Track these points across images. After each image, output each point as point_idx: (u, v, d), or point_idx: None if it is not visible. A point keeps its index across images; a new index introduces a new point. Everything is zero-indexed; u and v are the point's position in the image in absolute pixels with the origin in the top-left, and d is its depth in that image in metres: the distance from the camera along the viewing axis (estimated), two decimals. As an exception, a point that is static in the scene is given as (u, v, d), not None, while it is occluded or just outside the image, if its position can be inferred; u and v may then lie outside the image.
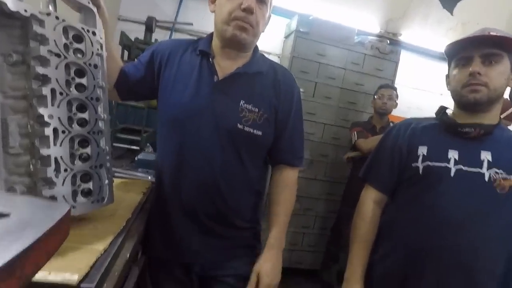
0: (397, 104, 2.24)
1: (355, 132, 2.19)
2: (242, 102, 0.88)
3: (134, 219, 0.88)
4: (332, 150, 2.48)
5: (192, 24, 2.43)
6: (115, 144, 1.77)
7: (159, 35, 2.36)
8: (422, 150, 0.90)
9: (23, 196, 0.64)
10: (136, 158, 1.41)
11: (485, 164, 0.82)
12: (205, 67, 0.90)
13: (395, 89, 2.25)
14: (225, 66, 0.90)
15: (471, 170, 0.82)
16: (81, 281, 0.53)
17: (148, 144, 1.77)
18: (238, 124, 0.87)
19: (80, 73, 0.74)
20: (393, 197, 0.98)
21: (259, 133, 0.89)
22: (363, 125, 2.24)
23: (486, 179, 0.81)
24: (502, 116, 0.94)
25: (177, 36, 2.51)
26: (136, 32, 2.20)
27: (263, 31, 0.93)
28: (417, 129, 0.95)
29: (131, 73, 0.95)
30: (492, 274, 0.79)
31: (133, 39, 1.95)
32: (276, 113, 0.92)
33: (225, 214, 0.91)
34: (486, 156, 0.83)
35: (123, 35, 1.82)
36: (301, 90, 2.34)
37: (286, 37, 2.59)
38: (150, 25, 1.98)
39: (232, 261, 0.94)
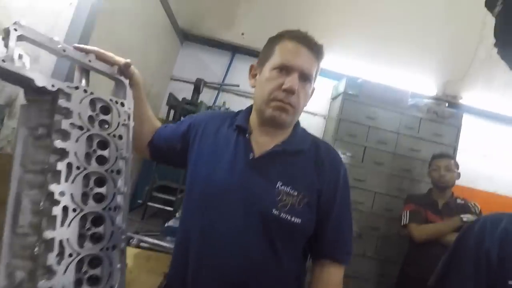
0: (459, 174, 1.93)
1: (408, 212, 1.88)
2: (279, 184, 0.76)
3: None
4: (384, 223, 2.19)
5: (238, 86, 2.50)
6: (149, 203, 1.72)
7: (206, 95, 2.45)
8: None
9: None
10: (165, 225, 1.32)
11: None
12: (241, 143, 0.82)
13: (452, 158, 1.96)
14: (262, 142, 0.82)
15: None
16: None
17: (180, 209, 1.69)
18: (274, 209, 0.74)
19: (103, 145, 0.69)
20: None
21: (298, 221, 0.74)
22: (421, 201, 1.92)
23: None
24: None
25: (223, 96, 2.58)
26: (186, 91, 2.29)
27: (305, 106, 0.85)
28: (511, 231, 0.72)
29: (167, 136, 0.92)
30: None
31: (181, 98, 2.02)
32: (318, 197, 0.79)
33: None
34: None
35: (171, 96, 1.89)
36: (349, 154, 2.19)
37: (333, 98, 2.52)
38: (198, 86, 2.05)
39: None
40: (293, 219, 0.73)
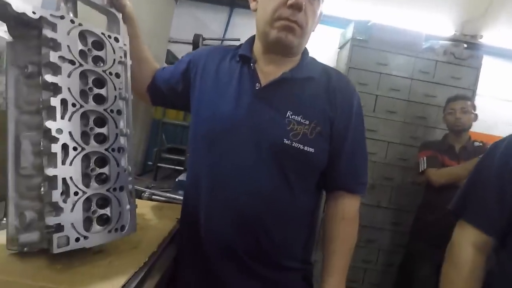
0: (476, 116, 1.83)
1: (425, 158, 1.81)
2: (289, 113, 0.72)
3: (159, 253, 0.74)
4: (398, 173, 2.14)
5: (239, 40, 2.38)
6: (160, 165, 1.72)
7: (207, 53, 2.35)
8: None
9: None
10: (176, 180, 1.32)
11: None
12: (245, 74, 0.77)
13: (468, 99, 1.85)
14: (269, 72, 0.76)
15: None
16: None
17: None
18: (285, 139, 0.70)
19: (99, 82, 0.65)
20: (503, 242, 0.69)
21: (311, 150, 0.71)
22: (436, 147, 1.86)
23: None
24: None
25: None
26: (185, 52, 2.20)
27: (313, 31, 0.78)
28: None
29: (166, 78, 0.87)
30: None
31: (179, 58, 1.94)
32: (331, 126, 0.74)
33: (271, 253, 0.73)
34: None
35: (169, 54, 1.82)
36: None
37: (341, 47, 2.38)
38: (196, 42, 1.96)
39: None
40: (305, 148, 0.70)
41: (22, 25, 0.59)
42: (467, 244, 0.71)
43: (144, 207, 1.01)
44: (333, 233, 0.77)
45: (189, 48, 2.21)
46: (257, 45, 0.79)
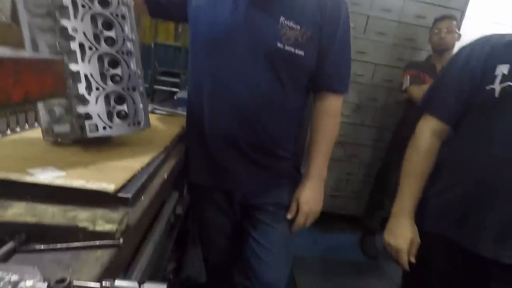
0: (459, 35, 1.88)
1: (408, 76, 1.90)
2: (282, 19, 0.78)
3: (172, 146, 0.87)
4: (383, 94, 2.26)
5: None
6: (156, 87, 1.78)
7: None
8: (502, 69, 0.73)
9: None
10: (175, 97, 1.40)
11: None
12: None
13: (454, 19, 1.87)
14: None
15: None
16: (118, 191, 0.53)
17: (187, 87, 1.75)
18: (278, 42, 0.77)
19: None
20: (456, 129, 0.84)
21: (301, 53, 0.79)
22: (420, 66, 1.94)
23: None
24: None
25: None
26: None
27: None
28: (499, 46, 0.77)
29: None
30: None
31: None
32: (320, 32, 0.81)
33: (267, 144, 0.86)
34: None
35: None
36: (351, 25, 2.11)
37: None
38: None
39: (273, 190, 0.92)
40: (296, 51, 0.78)
41: None
42: (427, 131, 0.85)
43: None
44: (318, 126, 0.90)
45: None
46: None
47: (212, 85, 0.83)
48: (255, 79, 0.80)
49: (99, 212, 0.48)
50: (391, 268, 1.97)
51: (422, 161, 0.85)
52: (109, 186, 0.52)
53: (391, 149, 2.11)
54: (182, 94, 1.43)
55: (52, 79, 0.42)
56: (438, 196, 0.83)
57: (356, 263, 2.07)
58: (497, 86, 0.73)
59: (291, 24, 0.78)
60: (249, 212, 0.94)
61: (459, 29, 1.88)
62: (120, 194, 0.53)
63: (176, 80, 1.78)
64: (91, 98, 0.66)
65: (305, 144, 0.97)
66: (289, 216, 0.92)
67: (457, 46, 1.91)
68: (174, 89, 1.78)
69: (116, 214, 0.48)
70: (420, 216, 0.86)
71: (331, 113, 0.89)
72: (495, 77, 0.74)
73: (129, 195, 0.54)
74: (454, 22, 1.86)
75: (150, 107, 1.25)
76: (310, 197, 0.89)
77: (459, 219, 0.78)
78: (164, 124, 1.06)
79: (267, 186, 0.91)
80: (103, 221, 0.45)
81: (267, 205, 0.91)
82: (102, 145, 0.73)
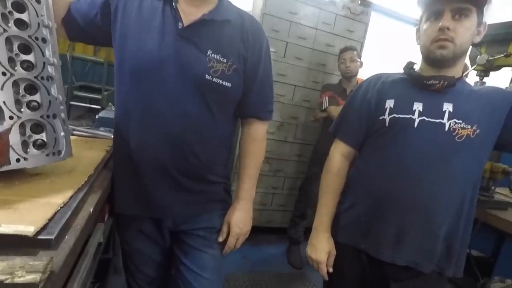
0: (361, 63, 2.23)
1: (327, 98, 2.18)
2: (209, 52, 0.82)
3: (97, 175, 0.82)
4: (302, 113, 2.49)
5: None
6: (73, 103, 1.64)
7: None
8: (390, 103, 0.92)
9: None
10: (97, 117, 1.32)
11: (446, 115, 0.86)
12: (168, 13, 0.82)
13: (355, 49, 2.22)
14: (189, 12, 0.83)
15: (433, 120, 0.86)
16: (38, 233, 0.49)
17: (110, 104, 1.65)
18: (207, 75, 0.81)
19: (19, 7, 0.64)
20: (360, 151, 1.00)
21: (228, 84, 0.85)
22: (334, 89, 2.23)
23: (446, 128, 0.85)
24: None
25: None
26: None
27: None
28: (386, 83, 0.96)
29: (82, 11, 0.85)
30: (447, 214, 0.86)
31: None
32: (245, 64, 0.88)
33: (197, 169, 0.88)
34: (448, 107, 0.86)
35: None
36: (272, 50, 2.29)
37: (257, -8, 2.46)
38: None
39: (204, 215, 0.93)
40: (224, 83, 0.83)
41: None
42: (337, 153, 1.01)
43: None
44: (246, 151, 0.96)
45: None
46: None
47: (142, 112, 0.83)
48: (185, 107, 0.82)
49: (18, 260, 0.43)
50: (315, 276, 2.13)
51: (334, 180, 1.00)
52: (28, 229, 0.47)
53: (312, 163, 2.33)
54: (104, 113, 1.35)
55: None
56: (347, 212, 0.98)
57: (283, 274, 2.18)
58: (387, 117, 0.91)
59: (218, 57, 0.83)
60: (179, 238, 0.94)
61: (360, 58, 2.23)
62: (41, 236, 0.48)
63: (97, 96, 1.66)
64: (4, 128, 0.60)
65: (233, 167, 1.03)
66: (220, 239, 0.94)
67: (360, 71, 2.26)
68: (94, 106, 1.66)
69: (39, 261, 0.43)
70: (335, 229, 0.99)
71: (258, 138, 0.97)
72: (385, 109, 0.92)
73: (52, 237, 0.49)
74: (355, 52, 2.19)
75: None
76: (241, 219, 0.94)
77: (364, 231, 0.93)
78: (86, 148, 0.99)
79: (198, 212, 0.92)
80: (24, 271, 0.41)
81: (197, 230, 0.93)
82: (14, 179, 0.66)
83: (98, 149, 1.00)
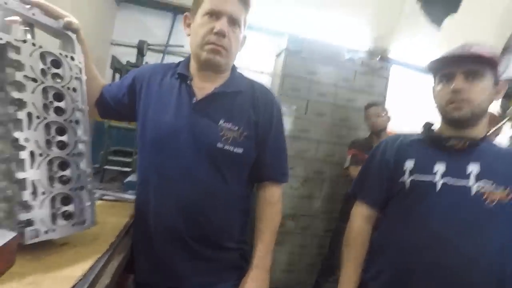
0: (389, 117, 2.23)
1: (349, 156, 2.18)
2: (221, 121, 0.88)
3: (118, 243, 0.85)
4: (327, 168, 2.47)
5: (183, 46, 2.49)
6: (107, 167, 1.76)
7: (151, 58, 2.41)
8: (409, 164, 0.89)
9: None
10: (125, 181, 1.40)
11: (472, 177, 0.81)
12: (184, 89, 0.92)
13: (379, 104, 2.25)
14: (203, 87, 0.92)
15: (457, 183, 0.81)
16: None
17: (139, 166, 1.75)
18: (218, 143, 0.86)
19: (59, 97, 0.74)
20: (384, 213, 0.96)
21: (240, 151, 0.88)
22: (361, 145, 2.21)
23: (473, 192, 0.79)
24: (489, 132, 0.93)
25: (169, 58, 2.55)
26: (129, 56, 2.23)
27: (239, 51, 0.96)
28: (404, 143, 0.95)
29: (113, 93, 0.98)
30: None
31: (124, 63, 1.98)
32: (256, 129, 0.92)
33: (211, 236, 0.89)
34: (473, 168, 0.82)
35: (114, 59, 1.86)
36: (293, 107, 2.38)
37: (277, 55, 2.64)
38: (141, 48, 2.02)
39: (220, 283, 0.91)
40: (235, 149, 0.87)
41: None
42: (359, 217, 0.97)
43: (97, 206, 1.09)
44: (261, 214, 0.96)
45: (133, 51, 2.24)
46: (192, 64, 0.95)
47: (158, 180, 0.88)
48: (198, 174, 0.86)
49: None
50: None
51: (356, 248, 0.95)
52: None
53: (341, 219, 2.23)
54: (131, 177, 1.43)
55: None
56: (375, 279, 0.91)
57: None
58: (406, 180, 0.88)
59: (229, 125, 0.88)
60: None
61: (387, 112, 2.22)
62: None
63: (128, 159, 1.78)
64: (36, 204, 0.66)
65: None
66: None
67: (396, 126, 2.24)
68: (125, 169, 1.77)
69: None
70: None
71: (273, 202, 0.97)
72: (404, 171, 0.89)
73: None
74: (379, 107, 2.21)
75: (98, 194, 1.23)
76: None
77: None
78: (111, 214, 1.04)
79: (214, 281, 0.90)
80: None
81: None
82: (40, 249, 0.70)
83: (122, 214, 1.05)
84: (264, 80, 2.75)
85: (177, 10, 2.57)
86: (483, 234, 0.77)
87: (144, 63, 2.09)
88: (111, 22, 2.49)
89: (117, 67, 1.88)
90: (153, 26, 2.57)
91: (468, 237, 0.78)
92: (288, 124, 2.34)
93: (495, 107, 1.99)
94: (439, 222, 0.80)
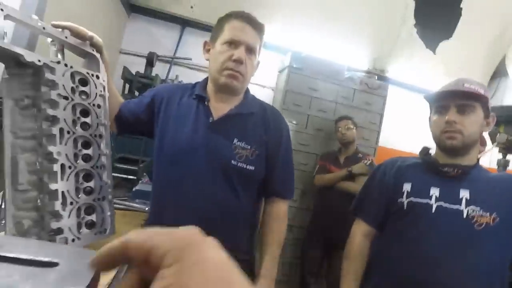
0: (356, 130, 2.30)
1: (318, 167, 2.33)
2: (235, 140, 0.95)
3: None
4: (325, 181, 2.53)
5: (191, 59, 2.56)
6: (112, 174, 1.80)
7: (158, 69, 2.47)
8: (407, 187, 0.96)
9: (66, 246, 0.67)
10: (133, 189, 1.44)
11: (464, 202, 0.88)
12: (201, 109, 0.98)
13: (349, 118, 2.32)
14: (219, 108, 0.98)
15: (451, 207, 0.88)
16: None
17: (144, 174, 1.80)
18: (232, 160, 0.93)
19: (85, 113, 0.80)
20: (382, 231, 1.02)
21: (252, 168, 0.94)
22: (327, 157, 2.33)
23: (464, 215, 0.86)
24: (479, 156, 1.01)
25: (176, 69, 2.63)
26: (137, 65, 2.30)
27: (252, 75, 1.03)
28: (403, 167, 1.01)
29: (132, 110, 1.03)
30: None
31: (134, 72, 2.05)
32: (266, 148, 0.99)
33: (226, 248, 0.93)
34: (464, 194, 0.89)
35: (125, 70, 1.92)
36: (294, 122, 2.46)
37: (280, 71, 2.73)
38: (151, 59, 2.08)
39: None
40: (248, 167, 0.94)
41: (19, 65, 0.72)
42: (359, 234, 1.03)
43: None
44: (267, 229, 1.01)
45: (141, 60, 2.31)
46: (210, 86, 1.02)
47: (174, 195, 0.93)
48: (212, 189, 0.92)
49: None
50: None
51: (355, 263, 1.00)
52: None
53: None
54: (140, 186, 1.48)
55: None
56: (372, 292, 0.97)
57: None
58: (404, 200, 0.95)
59: (242, 144, 0.95)
60: None
61: (356, 126, 2.30)
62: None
63: (133, 167, 1.83)
64: (65, 213, 0.71)
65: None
66: None
67: (382, 141, 2.32)
68: (131, 177, 1.82)
69: None
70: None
71: (280, 217, 1.03)
72: (403, 193, 0.96)
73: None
74: (350, 121, 2.29)
75: (107, 202, 1.28)
76: None
77: None
78: (124, 223, 1.09)
79: None
80: None
81: None
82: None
83: (135, 223, 1.09)
84: (266, 94, 2.83)
85: (185, 23, 2.65)
86: (473, 255, 0.84)
87: (153, 74, 2.15)
88: (121, 32, 2.56)
89: (128, 78, 1.94)
90: (161, 37, 2.65)
91: (459, 257, 0.84)
92: (289, 137, 2.41)
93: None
94: (434, 241, 0.87)
